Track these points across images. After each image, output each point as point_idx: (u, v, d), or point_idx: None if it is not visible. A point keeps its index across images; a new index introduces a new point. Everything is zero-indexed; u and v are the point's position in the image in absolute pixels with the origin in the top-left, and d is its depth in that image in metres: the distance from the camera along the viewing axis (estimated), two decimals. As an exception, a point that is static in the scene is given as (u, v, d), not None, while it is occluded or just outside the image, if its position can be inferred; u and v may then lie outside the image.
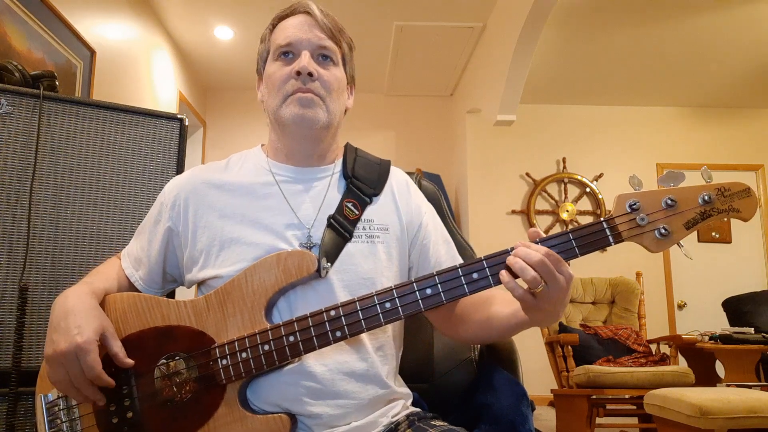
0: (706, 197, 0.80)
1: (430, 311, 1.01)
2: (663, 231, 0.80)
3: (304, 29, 0.97)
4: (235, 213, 0.95)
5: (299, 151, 1.00)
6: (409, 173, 1.16)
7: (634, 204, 0.81)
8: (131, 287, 1.00)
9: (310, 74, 0.94)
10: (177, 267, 1.01)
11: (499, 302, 0.92)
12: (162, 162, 1.50)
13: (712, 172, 0.82)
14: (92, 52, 3.15)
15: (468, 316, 0.96)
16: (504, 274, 0.79)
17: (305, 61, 0.94)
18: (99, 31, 3.26)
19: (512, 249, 0.80)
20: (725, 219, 0.81)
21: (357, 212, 0.96)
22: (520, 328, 0.88)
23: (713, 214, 0.80)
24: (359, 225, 0.95)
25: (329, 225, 0.92)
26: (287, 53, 0.97)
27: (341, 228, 0.93)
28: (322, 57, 0.98)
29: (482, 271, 0.81)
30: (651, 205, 0.81)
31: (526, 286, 0.78)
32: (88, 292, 0.89)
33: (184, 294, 1.22)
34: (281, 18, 1.02)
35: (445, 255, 1.03)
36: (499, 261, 0.81)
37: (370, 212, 0.98)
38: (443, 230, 1.07)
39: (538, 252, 0.76)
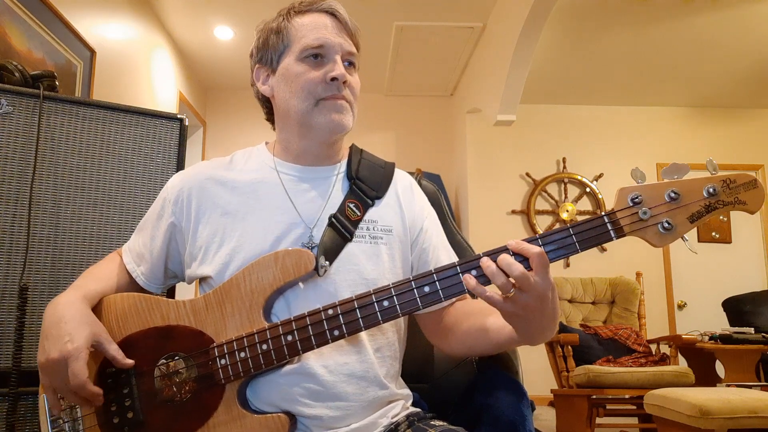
0: (711, 189, 0.77)
1: (421, 319, 1.01)
2: (666, 225, 0.77)
3: (334, 32, 0.95)
4: (237, 210, 0.94)
5: (315, 153, 0.99)
6: (409, 173, 1.15)
7: (636, 197, 0.78)
8: (132, 283, 1.00)
9: (344, 81, 0.93)
10: (179, 263, 1.01)
11: (491, 312, 0.88)
12: (162, 162, 1.50)
13: (712, 170, 0.80)
14: (92, 52, 3.15)
15: (458, 325, 0.94)
16: (468, 278, 0.75)
17: (342, 68, 0.93)
18: (99, 31, 3.26)
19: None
20: (731, 211, 0.77)
21: (359, 213, 0.95)
22: (509, 344, 0.84)
23: (719, 206, 0.77)
24: (362, 225, 0.95)
25: (330, 224, 0.92)
26: (317, 55, 0.94)
27: (342, 228, 0.92)
28: (348, 63, 0.97)
29: (480, 268, 0.79)
30: (654, 199, 0.78)
31: (499, 292, 0.75)
32: (80, 297, 0.87)
33: (184, 290, 1.22)
34: (300, 12, 0.97)
35: (445, 263, 1.01)
36: (497, 258, 0.78)
37: (373, 213, 0.97)
38: (443, 237, 1.06)
39: (512, 258, 0.74)
